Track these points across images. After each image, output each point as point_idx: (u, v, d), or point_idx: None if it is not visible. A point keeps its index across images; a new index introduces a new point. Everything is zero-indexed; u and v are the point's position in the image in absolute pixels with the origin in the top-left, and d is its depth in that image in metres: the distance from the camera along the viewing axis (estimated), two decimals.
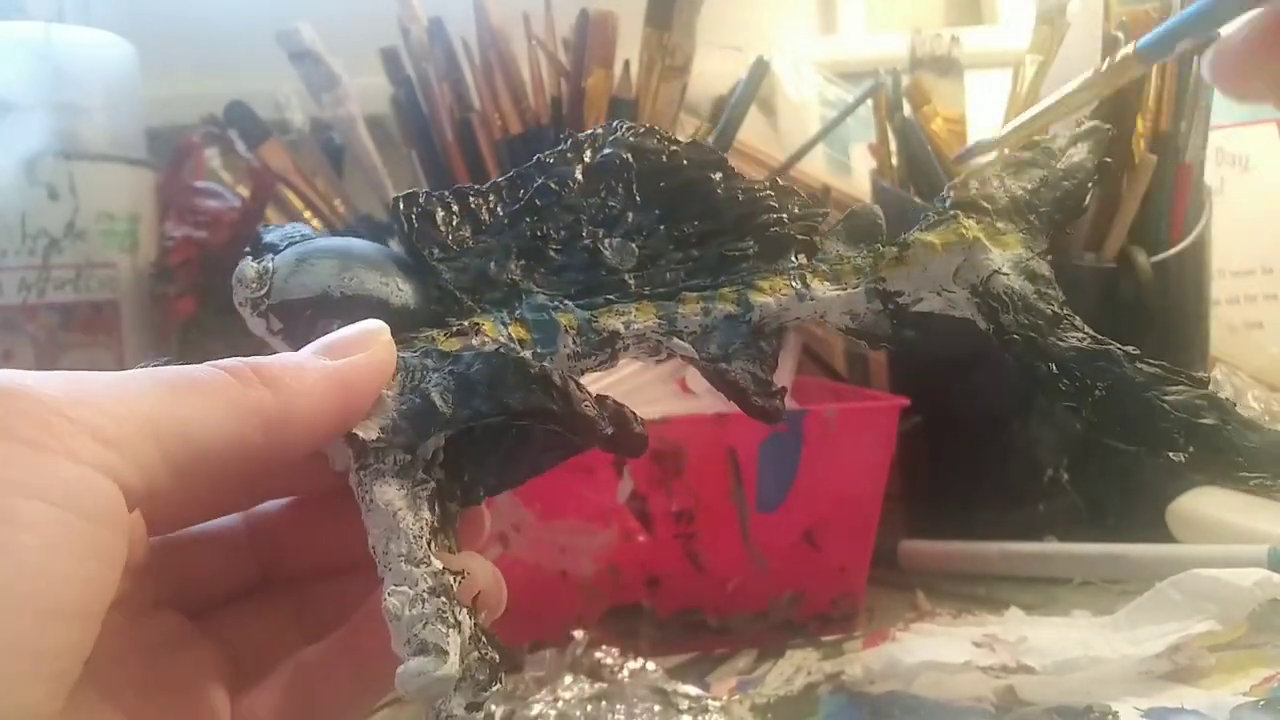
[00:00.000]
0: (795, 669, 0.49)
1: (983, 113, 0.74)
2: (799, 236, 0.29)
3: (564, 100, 0.67)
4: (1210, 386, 0.26)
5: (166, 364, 0.23)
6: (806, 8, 1.06)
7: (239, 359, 0.23)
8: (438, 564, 0.24)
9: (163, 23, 0.90)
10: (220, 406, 0.22)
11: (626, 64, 0.67)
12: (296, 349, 0.25)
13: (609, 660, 0.48)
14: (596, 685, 0.46)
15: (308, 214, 0.76)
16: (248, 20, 0.74)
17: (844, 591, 0.56)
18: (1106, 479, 0.64)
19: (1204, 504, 0.63)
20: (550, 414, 0.25)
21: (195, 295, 0.76)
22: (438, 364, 0.26)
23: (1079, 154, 0.30)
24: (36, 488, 0.18)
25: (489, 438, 0.27)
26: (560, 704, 0.45)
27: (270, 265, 0.27)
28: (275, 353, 0.25)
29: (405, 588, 0.23)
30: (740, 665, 0.51)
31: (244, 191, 0.80)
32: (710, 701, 0.45)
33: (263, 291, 0.26)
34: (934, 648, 0.48)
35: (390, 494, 0.24)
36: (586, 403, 0.26)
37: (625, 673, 0.47)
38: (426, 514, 0.25)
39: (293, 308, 0.26)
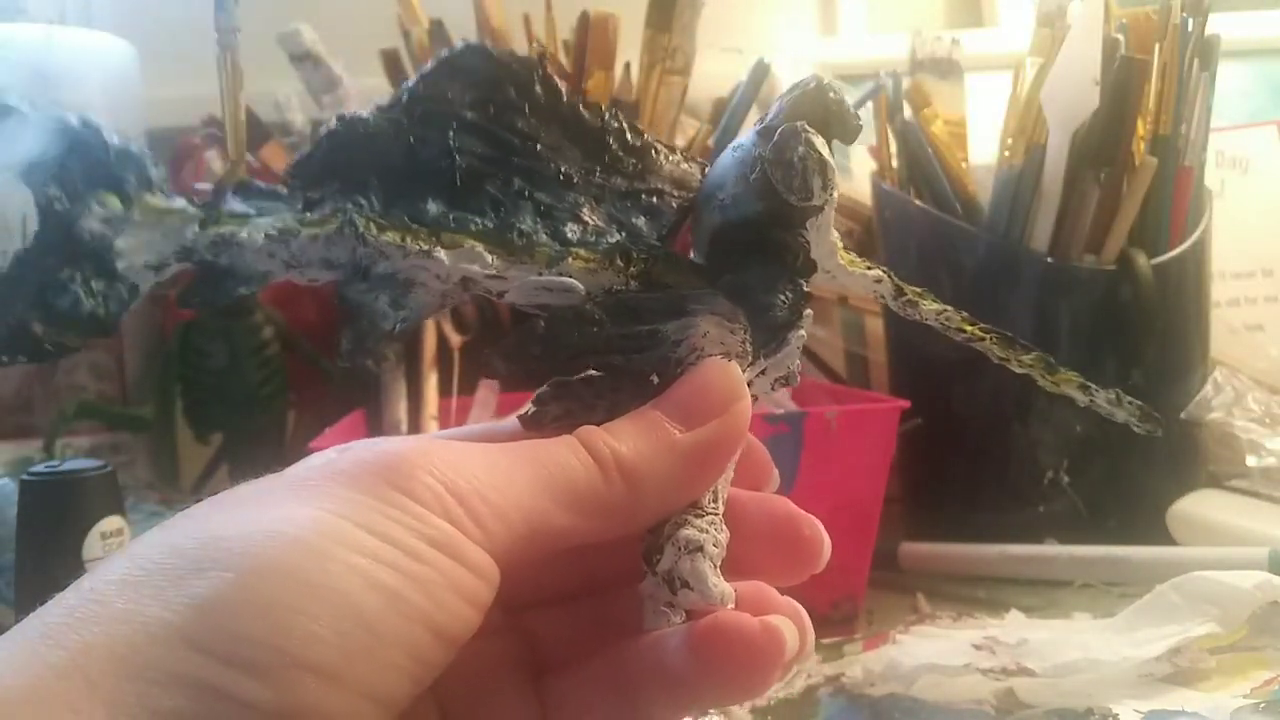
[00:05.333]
0: (795, 671, 0.49)
1: (983, 115, 0.74)
2: None
3: None
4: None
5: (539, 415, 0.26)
6: (807, 9, 1.06)
7: (602, 438, 0.24)
8: None
9: (163, 24, 0.90)
10: (583, 507, 0.24)
11: (627, 66, 0.68)
12: None
13: None
14: None
15: None
16: (248, 22, 0.74)
17: (844, 594, 0.56)
18: (1107, 481, 0.64)
19: (1204, 506, 0.63)
20: None
21: None
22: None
23: None
24: (435, 540, 0.21)
25: None
26: None
27: None
28: None
29: None
30: None
31: None
32: None
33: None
34: (934, 650, 0.48)
35: None
36: None
37: None
38: None
39: None
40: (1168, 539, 0.62)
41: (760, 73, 0.72)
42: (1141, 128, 0.64)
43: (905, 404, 0.57)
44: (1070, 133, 0.62)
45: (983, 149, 0.72)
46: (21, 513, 0.48)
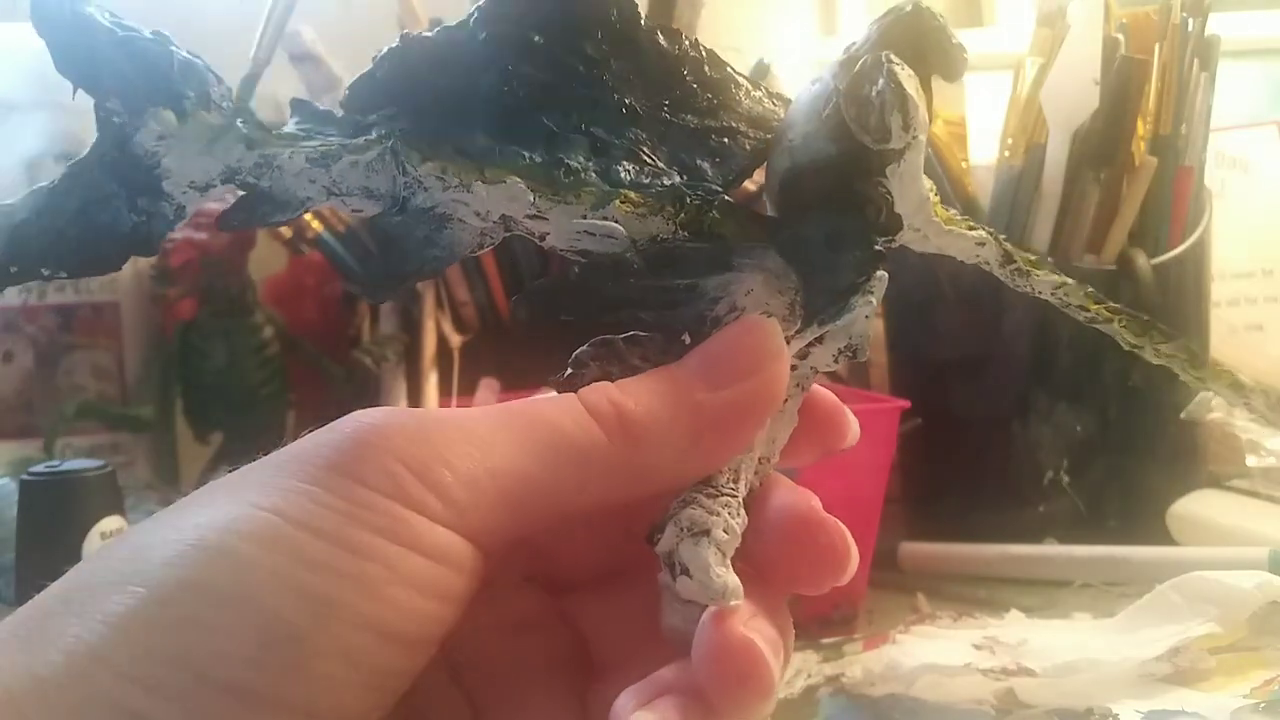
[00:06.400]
0: (795, 671, 0.49)
1: (983, 115, 0.74)
2: None
3: None
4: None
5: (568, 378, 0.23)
6: (807, 9, 1.06)
7: (608, 393, 0.22)
8: None
9: (163, 23, 0.90)
10: (583, 474, 0.21)
11: None
12: None
13: None
14: None
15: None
16: (248, 21, 0.74)
17: (844, 594, 0.56)
18: (1107, 481, 0.64)
19: (1204, 506, 0.63)
20: None
21: (196, 297, 0.76)
22: None
23: None
24: (388, 530, 0.19)
25: None
26: None
27: None
28: None
29: None
30: None
31: None
32: None
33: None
34: (934, 650, 0.48)
35: None
36: None
37: None
38: None
39: None
40: (1168, 539, 0.62)
41: (760, 73, 0.72)
42: (1141, 128, 0.64)
43: (905, 404, 0.57)
44: (1070, 133, 0.62)
45: (983, 149, 0.72)
46: (21, 513, 0.48)
